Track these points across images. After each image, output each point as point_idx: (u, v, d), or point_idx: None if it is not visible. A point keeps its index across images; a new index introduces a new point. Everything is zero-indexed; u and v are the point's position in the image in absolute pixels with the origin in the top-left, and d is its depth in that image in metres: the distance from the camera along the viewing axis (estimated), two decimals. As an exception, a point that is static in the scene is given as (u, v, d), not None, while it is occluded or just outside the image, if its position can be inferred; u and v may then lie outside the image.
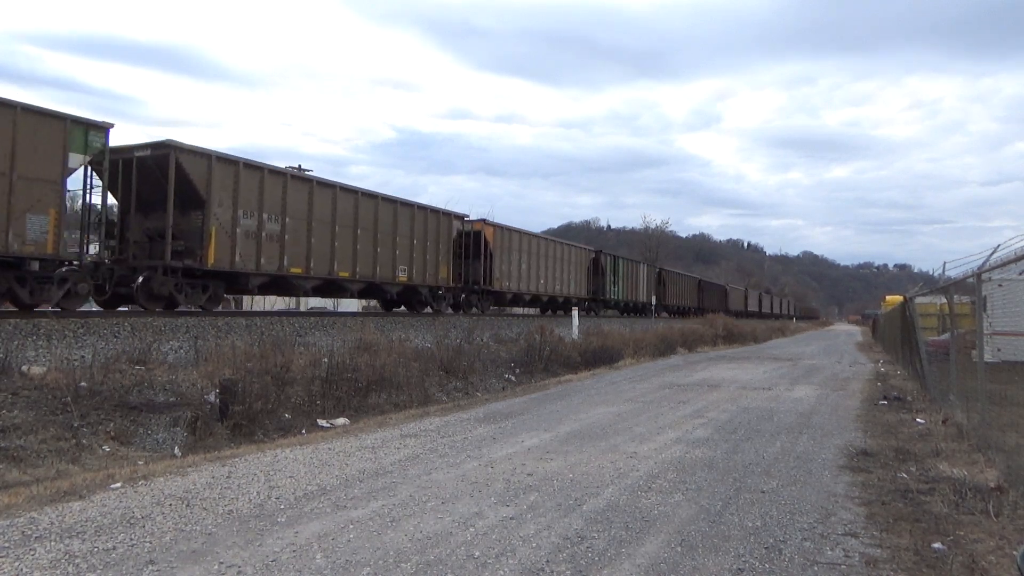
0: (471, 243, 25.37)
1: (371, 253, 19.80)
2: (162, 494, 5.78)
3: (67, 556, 4.33)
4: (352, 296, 21.31)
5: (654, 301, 44.43)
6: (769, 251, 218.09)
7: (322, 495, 5.86)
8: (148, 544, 4.59)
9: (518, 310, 34.95)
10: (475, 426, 9.43)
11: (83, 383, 8.88)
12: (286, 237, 16.91)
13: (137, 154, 14.62)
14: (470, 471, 6.79)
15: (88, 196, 13.24)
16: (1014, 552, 4.48)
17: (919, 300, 15.00)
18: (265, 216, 16.45)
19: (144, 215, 14.85)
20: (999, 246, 7.53)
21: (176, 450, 8.42)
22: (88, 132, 12.66)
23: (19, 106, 11.70)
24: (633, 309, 42.45)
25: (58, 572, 4.10)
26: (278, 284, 17.69)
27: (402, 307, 23.98)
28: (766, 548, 4.74)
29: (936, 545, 4.79)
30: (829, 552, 4.69)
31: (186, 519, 5.13)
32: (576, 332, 24.03)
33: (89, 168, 12.99)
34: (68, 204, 13.20)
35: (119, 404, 8.82)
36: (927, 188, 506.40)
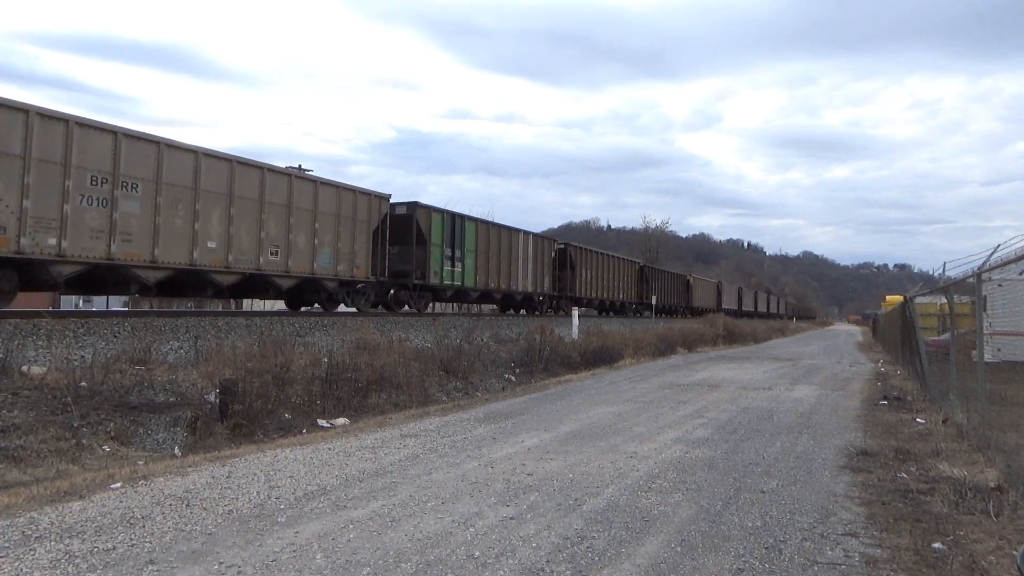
0: None
1: None
2: (162, 494, 5.77)
3: (67, 556, 4.33)
4: None
5: (548, 291, 30.27)
6: (769, 251, 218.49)
7: (322, 495, 5.86)
8: (148, 544, 4.59)
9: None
10: (475, 426, 9.43)
11: (83, 383, 8.88)
12: None
13: None
14: (470, 471, 6.79)
15: None
16: (1014, 552, 4.49)
17: (919, 300, 15.00)
18: None
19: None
20: (999, 246, 7.54)
21: (176, 450, 8.42)
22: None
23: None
24: (509, 303, 28.66)
25: (58, 572, 4.10)
26: None
27: None
28: (766, 548, 4.74)
29: (936, 545, 4.79)
30: (829, 552, 4.69)
31: (186, 519, 5.13)
32: (576, 332, 24.08)
33: None
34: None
35: (119, 404, 8.81)
36: (928, 188, 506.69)
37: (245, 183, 15.80)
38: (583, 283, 33.40)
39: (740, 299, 68.60)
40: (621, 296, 38.80)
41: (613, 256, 39.90)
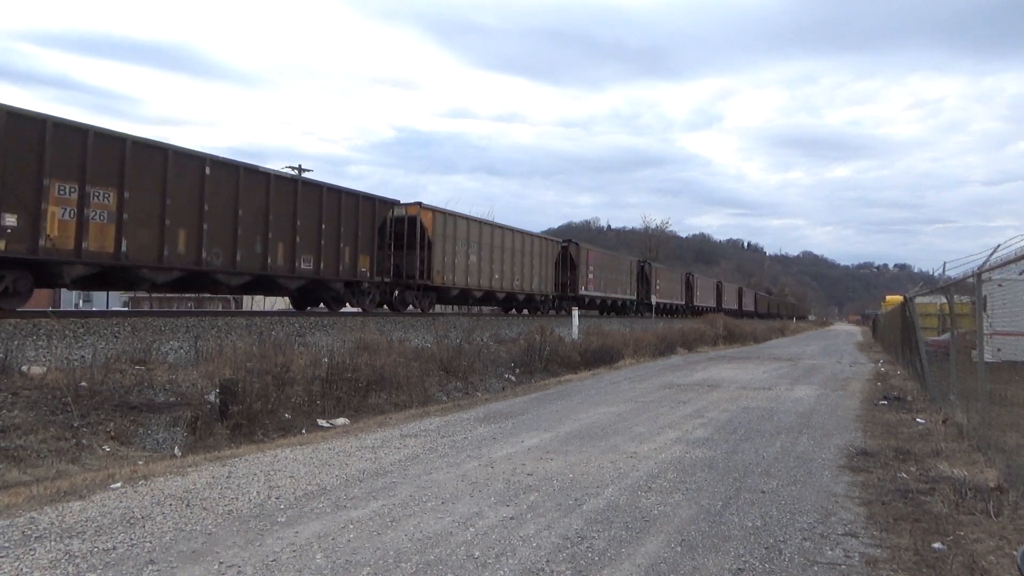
0: None
1: None
2: (162, 494, 5.77)
3: (67, 556, 4.33)
4: None
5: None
6: (769, 251, 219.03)
7: (322, 495, 5.86)
8: (148, 544, 4.59)
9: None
10: (475, 426, 9.43)
11: (83, 383, 8.88)
12: None
13: None
14: (470, 471, 6.79)
15: None
16: (1014, 552, 4.48)
17: (919, 300, 14.99)
18: None
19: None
20: (999, 246, 7.54)
21: (176, 450, 8.42)
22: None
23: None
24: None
25: (58, 572, 4.10)
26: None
27: None
28: (766, 548, 4.74)
29: (936, 545, 4.79)
30: (829, 552, 4.69)
31: (186, 519, 5.13)
32: (576, 332, 24.07)
33: None
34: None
35: (119, 404, 8.81)
36: (929, 187, 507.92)
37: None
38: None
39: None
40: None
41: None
